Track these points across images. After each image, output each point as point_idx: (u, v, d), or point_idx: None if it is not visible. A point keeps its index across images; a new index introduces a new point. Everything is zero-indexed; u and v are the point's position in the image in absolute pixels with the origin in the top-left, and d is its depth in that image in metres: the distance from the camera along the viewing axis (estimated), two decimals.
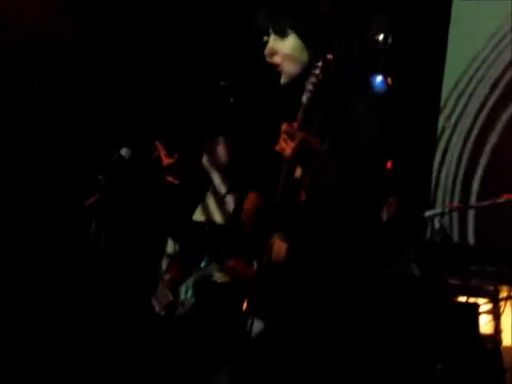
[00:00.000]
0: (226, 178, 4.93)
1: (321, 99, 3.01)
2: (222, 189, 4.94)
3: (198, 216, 4.97)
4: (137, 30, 6.29)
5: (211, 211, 4.94)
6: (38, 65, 6.06)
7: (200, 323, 4.60)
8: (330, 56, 3.02)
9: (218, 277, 4.58)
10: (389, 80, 6.45)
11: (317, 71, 2.98)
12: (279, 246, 3.09)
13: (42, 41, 6.04)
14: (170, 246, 5.02)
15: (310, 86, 2.98)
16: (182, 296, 4.68)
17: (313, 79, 2.98)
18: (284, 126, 2.90)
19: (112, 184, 4.00)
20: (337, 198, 2.99)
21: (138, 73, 6.16)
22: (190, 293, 4.70)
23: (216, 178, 4.95)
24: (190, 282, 4.73)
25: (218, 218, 4.88)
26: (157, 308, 4.73)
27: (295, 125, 2.91)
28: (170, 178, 4.19)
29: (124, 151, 4.35)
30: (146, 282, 4.89)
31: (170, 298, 4.69)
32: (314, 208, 3.06)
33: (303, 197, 3.07)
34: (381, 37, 6.63)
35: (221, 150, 4.89)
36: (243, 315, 3.30)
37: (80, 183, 4.91)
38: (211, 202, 4.95)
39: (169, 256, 5.01)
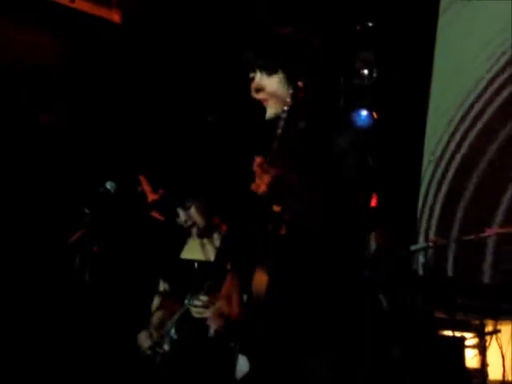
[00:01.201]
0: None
1: (296, 129, 3.00)
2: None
3: (186, 254, 4.97)
4: (123, 68, 6.33)
5: (198, 249, 4.93)
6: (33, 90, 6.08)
7: (184, 359, 4.59)
8: (300, 83, 3.00)
9: (196, 312, 4.59)
10: (374, 114, 6.49)
11: (287, 99, 2.98)
12: (260, 279, 3.07)
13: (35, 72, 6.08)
14: (162, 285, 5.02)
15: (283, 115, 2.97)
16: (167, 335, 4.69)
17: (284, 107, 2.98)
18: (257, 160, 2.89)
19: (97, 217, 3.98)
20: (316, 231, 2.99)
21: (125, 107, 6.19)
22: (173, 330, 4.70)
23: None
24: (174, 319, 4.73)
25: (203, 256, 4.88)
26: (142, 347, 4.72)
27: (267, 159, 2.89)
28: (155, 214, 4.16)
29: (109, 184, 4.34)
30: (134, 320, 4.87)
31: (155, 338, 4.69)
32: (294, 241, 3.06)
33: (283, 231, 3.06)
34: (366, 71, 6.67)
35: (194, 213, 4.87)
36: (227, 351, 3.29)
37: (65, 217, 4.90)
38: (196, 241, 4.94)
39: (160, 294, 5.00)
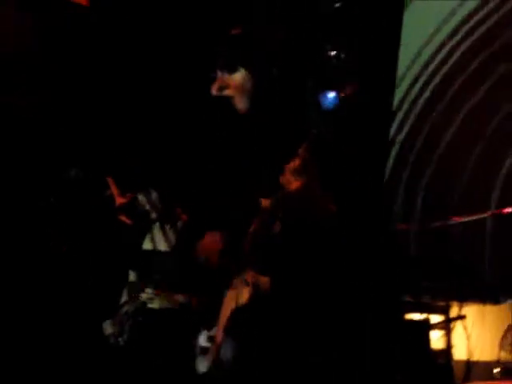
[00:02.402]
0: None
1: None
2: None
3: (146, 245, 4.98)
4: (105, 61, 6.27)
5: (158, 240, 4.94)
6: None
7: (141, 351, 4.63)
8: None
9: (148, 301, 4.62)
10: (341, 95, 6.50)
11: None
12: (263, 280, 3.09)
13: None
14: (131, 275, 5.03)
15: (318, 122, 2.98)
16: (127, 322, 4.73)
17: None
18: (292, 162, 2.92)
19: (63, 210, 3.98)
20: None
21: (91, 91, 6.14)
22: (129, 322, 4.74)
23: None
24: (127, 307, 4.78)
25: (163, 246, 4.90)
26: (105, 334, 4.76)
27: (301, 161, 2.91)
28: (122, 218, 4.16)
29: (74, 171, 4.34)
30: (103, 311, 4.90)
31: (109, 330, 4.73)
32: (295, 240, 3.09)
33: (277, 228, 3.08)
34: (333, 52, 6.66)
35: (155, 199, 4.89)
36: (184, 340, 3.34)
37: (30, 208, 4.89)
38: (157, 231, 4.96)
39: (130, 284, 5.02)
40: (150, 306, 4.62)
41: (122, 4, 6.33)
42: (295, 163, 2.88)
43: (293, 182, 2.87)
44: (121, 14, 6.29)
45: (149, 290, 4.56)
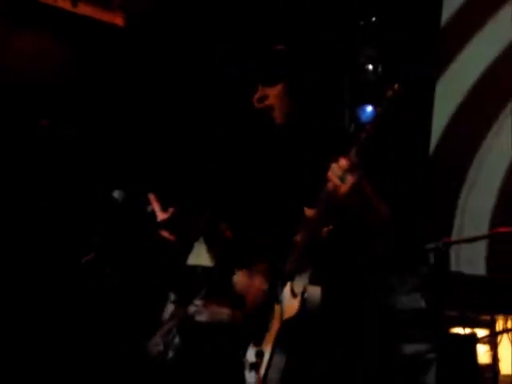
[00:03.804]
0: None
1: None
2: None
3: (192, 260, 4.96)
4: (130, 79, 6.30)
5: (204, 255, 4.93)
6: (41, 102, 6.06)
7: (189, 367, 4.61)
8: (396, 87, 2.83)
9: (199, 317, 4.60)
10: (379, 110, 6.47)
11: (386, 104, 2.80)
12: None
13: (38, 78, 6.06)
14: (172, 294, 5.02)
15: (374, 118, 2.82)
16: (173, 340, 4.71)
17: (379, 111, 2.82)
18: (341, 162, 2.82)
19: (107, 235, 3.97)
20: (382, 235, 2.98)
21: (131, 113, 6.17)
22: (177, 338, 4.71)
23: None
24: (173, 324, 4.76)
25: (208, 261, 4.87)
26: (151, 355, 4.75)
27: (351, 160, 2.82)
28: (164, 234, 4.13)
29: (117, 193, 4.33)
30: (147, 329, 4.89)
31: (161, 347, 4.70)
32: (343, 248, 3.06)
33: (324, 235, 3.04)
34: (370, 67, 6.65)
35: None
36: (234, 358, 3.31)
37: (73, 231, 4.90)
38: (203, 246, 4.94)
39: (171, 303, 5.00)
40: (198, 318, 4.58)
41: (156, 24, 6.38)
42: (342, 163, 2.81)
43: (341, 186, 2.82)
44: (155, 33, 6.33)
45: (197, 302, 4.54)
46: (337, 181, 2.81)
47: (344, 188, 2.81)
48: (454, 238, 5.91)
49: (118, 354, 5.17)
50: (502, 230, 5.01)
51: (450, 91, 6.86)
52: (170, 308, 5.03)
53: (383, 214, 2.95)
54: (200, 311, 4.55)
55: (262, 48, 3.37)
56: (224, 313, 4.44)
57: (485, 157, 6.51)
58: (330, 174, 2.84)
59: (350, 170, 2.79)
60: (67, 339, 5.29)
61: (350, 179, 2.80)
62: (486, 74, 6.62)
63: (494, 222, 6.16)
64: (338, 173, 2.81)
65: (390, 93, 2.76)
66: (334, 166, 2.82)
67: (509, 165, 6.38)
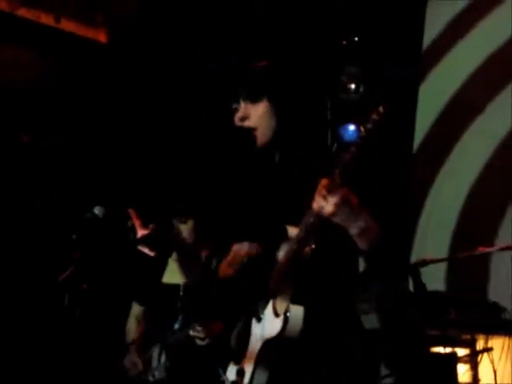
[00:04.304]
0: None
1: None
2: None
3: (168, 278, 4.92)
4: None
5: (179, 273, 4.89)
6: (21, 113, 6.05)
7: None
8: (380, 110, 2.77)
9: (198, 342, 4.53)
10: (362, 129, 6.48)
11: (370, 125, 2.75)
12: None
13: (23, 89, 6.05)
14: (134, 307, 4.98)
15: (358, 140, 2.76)
16: (155, 362, 4.65)
17: (363, 132, 2.76)
18: (324, 181, 2.81)
19: (86, 250, 3.94)
20: (373, 250, 2.96)
21: (111, 128, 6.16)
22: (163, 357, 4.66)
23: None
24: (162, 346, 4.70)
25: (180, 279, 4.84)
26: (130, 374, 4.71)
27: (335, 180, 2.80)
28: (144, 250, 4.10)
29: (97, 209, 4.31)
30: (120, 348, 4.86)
31: (140, 368, 4.67)
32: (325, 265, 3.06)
33: (307, 254, 3.03)
34: (352, 85, 6.66)
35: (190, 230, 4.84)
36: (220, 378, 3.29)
37: (52, 245, 4.86)
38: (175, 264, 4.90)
39: (134, 317, 4.97)
40: (202, 343, 4.49)
41: (141, 40, 6.38)
42: (325, 184, 2.81)
43: (326, 207, 2.81)
44: (140, 49, 6.34)
45: (197, 327, 4.43)
46: (321, 201, 2.81)
47: (329, 208, 2.81)
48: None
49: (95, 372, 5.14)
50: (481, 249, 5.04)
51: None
52: (131, 323, 4.98)
53: (373, 230, 2.94)
54: (199, 336, 4.46)
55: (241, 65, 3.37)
56: (214, 331, 4.40)
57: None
58: (315, 194, 2.84)
59: (333, 190, 2.79)
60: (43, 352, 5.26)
61: (334, 199, 2.80)
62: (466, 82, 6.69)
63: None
64: (323, 193, 2.81)
65: (375, 115, 2.76)
66: (318, 186, 2.82)
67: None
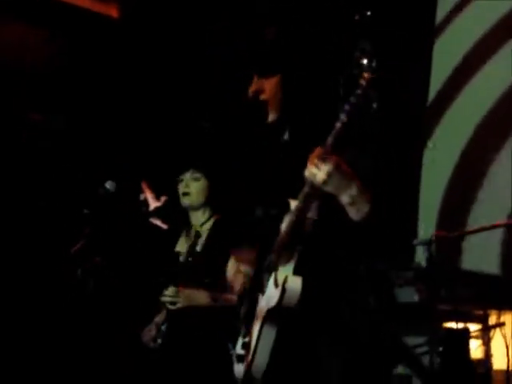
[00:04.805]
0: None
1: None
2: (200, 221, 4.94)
3: (179, 247, 4.97)
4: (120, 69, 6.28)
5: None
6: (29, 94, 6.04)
7: (176, 353, 4.61)
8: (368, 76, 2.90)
9: (168, 304, 4.57)
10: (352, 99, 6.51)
11: (358, 91, 2.87)
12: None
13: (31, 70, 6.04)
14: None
15: (347, 107, 2.86)
16: (161, 327, 4.71)
17: (352, 99, 2.87)
18: (316, 151, 2.85)
19: (98, 224, 3.96)
20: (366, 219, 2.97)
21: (122, 106, 6.15)
22: (163, 325, 4.71)
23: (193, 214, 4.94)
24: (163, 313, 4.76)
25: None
26: (143, 341, 4.74)
27: (327, 148, 2.85)
28: (157, 222, 4.12)
29: (109, 184, 4.32)
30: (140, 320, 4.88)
31: (153, 332, 4.71)
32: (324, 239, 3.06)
33: (308, 227, 3.04)
34: (365, 61, 6.61)
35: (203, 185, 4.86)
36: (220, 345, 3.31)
37: (65, 221, 4.87)
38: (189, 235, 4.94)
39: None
40: (172, 307, 4.56)
41: (152, 16, 6.36)
42: (317, 152, 2.84)
43: (318, 174, 2.83)
44: (151, 24, 6.32)
45: (171, 288, 4.51)
46: (314, 169, 2.83)
47: (320, 176, 2.83)
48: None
49: (113, 342, 5.17)
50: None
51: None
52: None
53: (365, 200, 2.95)
54: (174, 296, 4.52)
55: (253, 31, 3.36)
56: (201, 296, 4.43)
57: None
58: (308, 163, 2.86)
59: (325, 158, 2.81)
60: (61, 329, 5.29)
61: (325, 167, 2.81)
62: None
63: None
64: (315, 161, 2.82)
65: (362, 81, 2.79)
66: (311, 155, 2.84)
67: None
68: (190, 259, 4.60)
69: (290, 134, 3.33)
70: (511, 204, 5.91)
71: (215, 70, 6.06)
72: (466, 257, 6.01)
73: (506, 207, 5.91)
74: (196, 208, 4.89)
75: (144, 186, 4.16)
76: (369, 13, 6.65)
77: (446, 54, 6.91)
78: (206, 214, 4.93)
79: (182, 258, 4.76)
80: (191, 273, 4.58)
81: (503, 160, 6.18)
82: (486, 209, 6.13)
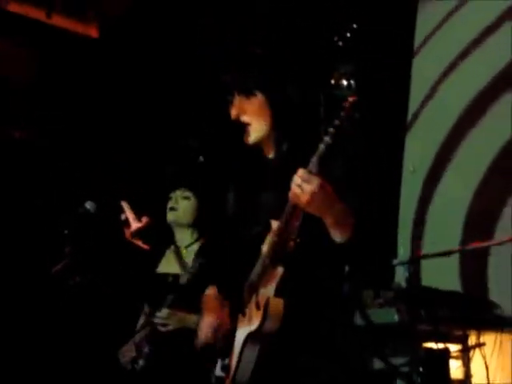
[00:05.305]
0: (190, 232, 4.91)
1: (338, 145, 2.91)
2: (185, 242, 4.92)
3: (163, 268, 4.95)
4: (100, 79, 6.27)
5: (174, 262, 4.91)
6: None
7: (159, 374, 4.59)
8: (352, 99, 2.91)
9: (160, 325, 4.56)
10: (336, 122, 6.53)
11: (342, 113, 2.88)
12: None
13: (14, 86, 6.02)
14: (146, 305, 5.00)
15: (331, 129, 2.86)
16: (143, 348, 4.69)
17: (336, 122, 2.87)
18: (300, 172, 2.84)
19: (78, 244, 3.94)
20: (349, 242, 2.97)
21: (104, 123, 6.14)
22: (146, 347, 4.69)
23: (178, 233, 4.93)
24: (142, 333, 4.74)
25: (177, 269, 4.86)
26: (121, 362, 4.71)
27: (311, 169, 2.85)
28: (138, 243, 4.10)
29: (89, 204, 4.30)
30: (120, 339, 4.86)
31: (133, 354, 4.68)
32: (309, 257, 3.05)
33: (290, 248, 3.03)
34: (345, 82, 6.63)
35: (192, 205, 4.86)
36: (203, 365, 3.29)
37: (44, 241, 4.84)
38: (172, 255, 4.93)
39: (144, 313, 4.99)
40: (163, 329, 4.55)
41: (132, 35, 6.36)
42: (301, 173, 2.84)
43: (301, 195, 2.84)
44: (130, 45, 6.31)
45: (164, 311, 4.51)
46: (297, 190, 2.84)
47: (304, 197, 2.83)
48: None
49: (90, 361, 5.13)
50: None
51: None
52: (141, 319, 5.00)
53: (348, 221, 2.96)
54: (167, 318, 4.52)
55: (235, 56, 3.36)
56: (193, 319, 4.42)
57: None
58: (291, 184, 2.86)
59: (308, 179, 2.81)
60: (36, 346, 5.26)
61: (309, 188, 2.81)
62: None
63: None
64: (298, 182, 2.83)
65: (346, 104, 2.81)
66: (294, 176, 2.85)
67: None
68: (187, 280, 4.61)
69: (274, 154, 3.33)
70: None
71: (200, 88, 6.06)
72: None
73: None
74: (181, 225, 4.88)
75: (125, 205, 4.13)
76: (348, 34, 6.67)
77: (424, 75, 6.95)
78: (195, 236, 4.92)
79: (171, 279, 4.76)
80: (183, 295, 4.58)
81: None
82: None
